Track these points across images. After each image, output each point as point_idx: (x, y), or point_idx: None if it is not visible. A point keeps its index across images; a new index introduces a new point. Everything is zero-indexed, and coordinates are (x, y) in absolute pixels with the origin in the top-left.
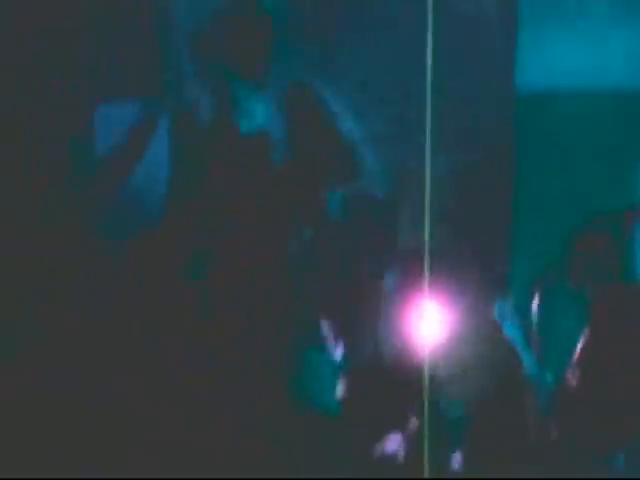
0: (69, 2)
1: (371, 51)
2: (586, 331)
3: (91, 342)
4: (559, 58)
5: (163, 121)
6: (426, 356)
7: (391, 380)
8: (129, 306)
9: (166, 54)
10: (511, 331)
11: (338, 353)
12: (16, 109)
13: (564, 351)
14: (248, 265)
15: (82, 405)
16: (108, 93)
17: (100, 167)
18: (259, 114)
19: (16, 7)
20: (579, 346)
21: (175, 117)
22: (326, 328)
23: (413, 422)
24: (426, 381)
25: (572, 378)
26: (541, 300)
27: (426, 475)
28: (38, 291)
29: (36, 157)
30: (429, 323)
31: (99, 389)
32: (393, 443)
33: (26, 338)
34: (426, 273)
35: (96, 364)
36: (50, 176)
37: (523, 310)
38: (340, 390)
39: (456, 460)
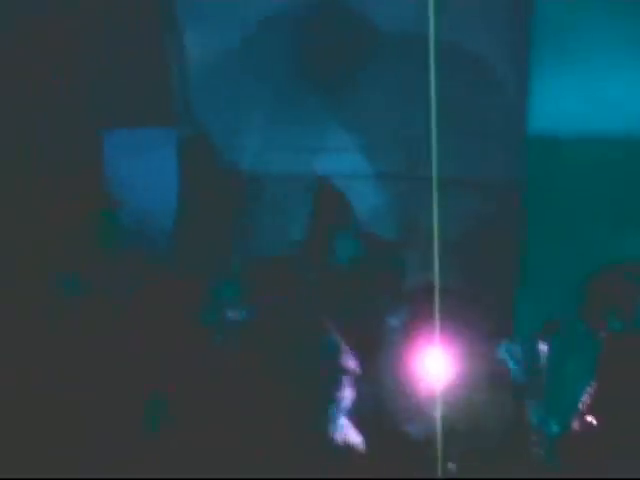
0: (82, 32)
1: (385, 95)
2: (595, 379)
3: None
4: (570, 104)
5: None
6: (435, 400)
7: (398, 426)
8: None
9: (176, 85)
10: (517, 376)
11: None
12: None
13: (571, 398)
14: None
15: None
16: (118, 122)
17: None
18: None
19: (32, 37)
20: (587, 394)
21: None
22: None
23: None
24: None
25: (578, 427)
26: (549, 346)
27: None
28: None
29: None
30: (436, 365)
31: None
32: None
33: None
34: (435, 315)
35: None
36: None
37: (530, 355)
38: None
39: None
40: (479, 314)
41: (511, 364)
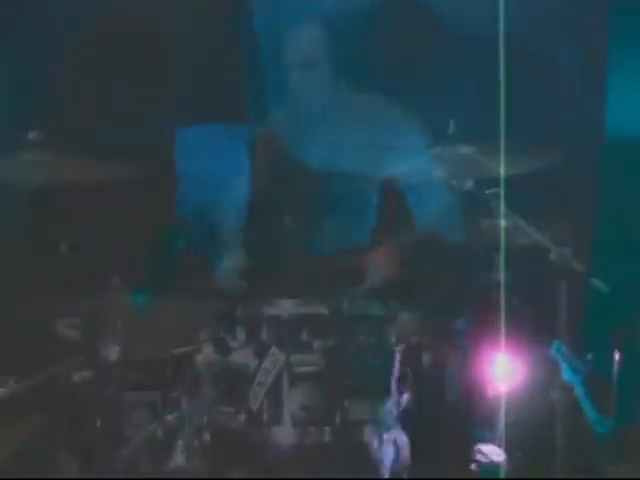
0: (158, 33)
1: (460, 96)
2: None
3: None
4: None
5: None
6: (500, 403)
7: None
8: None
9: (248, 81)
10: (569, 375)
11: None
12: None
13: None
14: None
15: None
16: (191, 117)
17: None
18: None
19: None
20: None
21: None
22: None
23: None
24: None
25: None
26: (620, 352)
27: None
28: None
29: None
30: (501, 368)
31: None
32: None
33: None
34: (500, 316)
35: None
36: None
37: (600, 360)
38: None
39: None
40: (545, 316)
41: (562, 363)
